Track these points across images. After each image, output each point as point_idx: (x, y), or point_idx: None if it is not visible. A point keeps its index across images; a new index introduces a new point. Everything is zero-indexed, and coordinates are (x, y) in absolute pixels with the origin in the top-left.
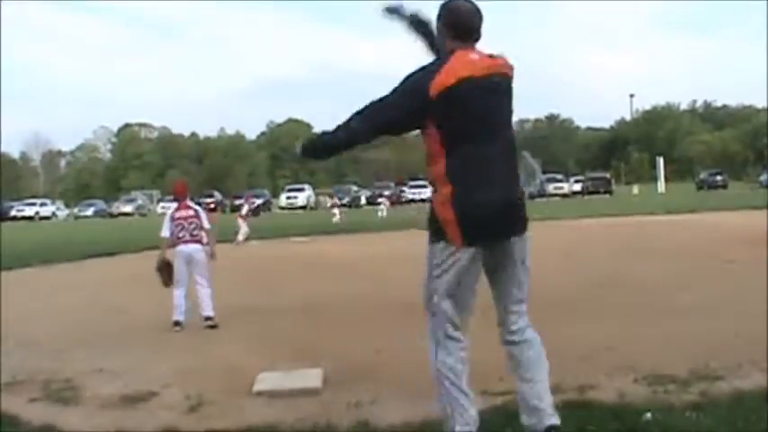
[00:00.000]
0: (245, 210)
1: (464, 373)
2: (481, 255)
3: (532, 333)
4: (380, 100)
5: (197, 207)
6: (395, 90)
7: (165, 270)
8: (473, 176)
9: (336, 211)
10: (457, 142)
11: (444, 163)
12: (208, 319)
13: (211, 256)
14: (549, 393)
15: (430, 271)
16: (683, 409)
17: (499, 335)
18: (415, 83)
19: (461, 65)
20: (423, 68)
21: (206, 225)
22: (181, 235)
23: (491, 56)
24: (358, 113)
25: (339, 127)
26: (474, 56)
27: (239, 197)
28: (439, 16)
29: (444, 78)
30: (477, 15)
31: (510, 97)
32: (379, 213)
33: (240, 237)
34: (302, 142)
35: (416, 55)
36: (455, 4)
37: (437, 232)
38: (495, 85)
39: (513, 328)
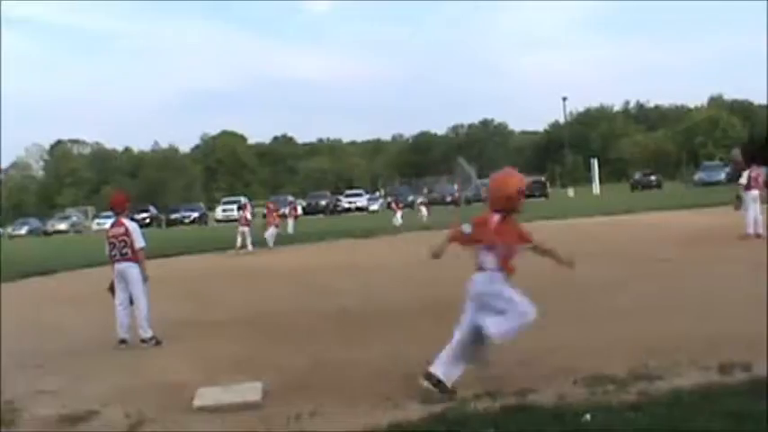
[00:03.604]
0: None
1: None
2: None
3: None
4: None
5: (130, 225)
6: None
7: (112, 288)
8: None
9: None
10: None
11: None
12: (142, 341)
13: (144, 278)
14: None
15: None
16: (623, 410)
17: None
18: None
19: None
20: None
21: (137, 244)
22: (113, 254)
23: None
24: None
25: None
26: None
27: (175, 211)
28: None
29: None
30: None
31: None
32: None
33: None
34: None
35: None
36: None
37: None
38: None
39: None
